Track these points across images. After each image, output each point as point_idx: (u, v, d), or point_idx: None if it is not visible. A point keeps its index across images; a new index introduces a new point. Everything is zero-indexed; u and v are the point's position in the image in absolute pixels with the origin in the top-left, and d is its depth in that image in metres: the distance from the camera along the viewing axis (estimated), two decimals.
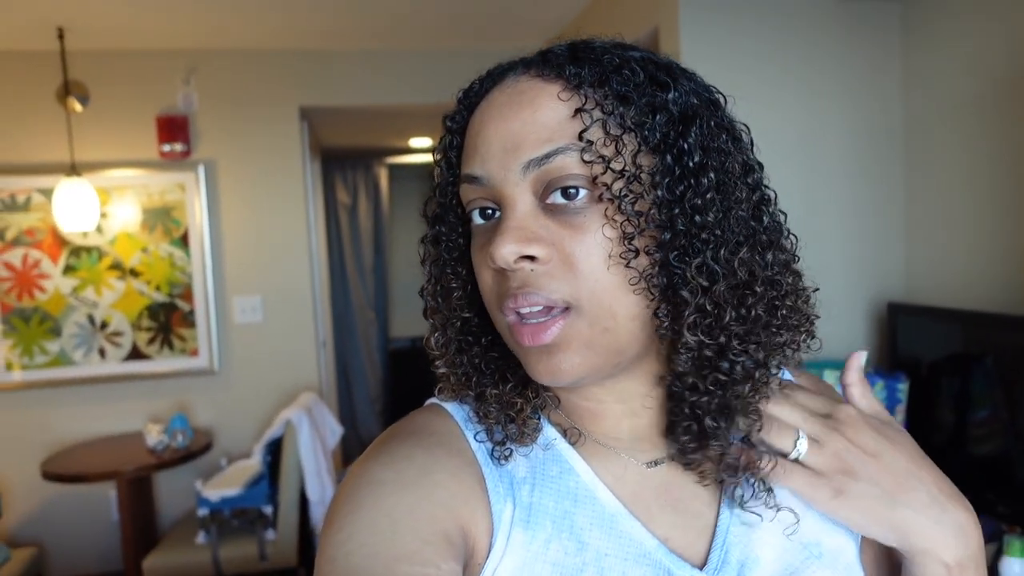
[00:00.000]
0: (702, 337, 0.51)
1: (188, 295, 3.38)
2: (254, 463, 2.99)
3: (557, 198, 0.51)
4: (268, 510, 2.86)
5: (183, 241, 3.36)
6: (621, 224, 0.50)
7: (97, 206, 3.12)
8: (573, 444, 0.59)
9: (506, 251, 0.50)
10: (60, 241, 3.24)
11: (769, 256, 0.55)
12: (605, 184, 0.50)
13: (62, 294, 3.26)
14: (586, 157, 0.50)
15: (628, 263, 0.50)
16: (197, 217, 3.35)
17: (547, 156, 0.50)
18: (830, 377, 2.21)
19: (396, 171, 5.62)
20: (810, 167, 2.41)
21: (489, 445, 0.57)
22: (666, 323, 0.52)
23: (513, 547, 0.53)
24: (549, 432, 0.59)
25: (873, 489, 0.53)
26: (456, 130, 0.58)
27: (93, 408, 3.32)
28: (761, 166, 0.59)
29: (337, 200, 5.22)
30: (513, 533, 0.53)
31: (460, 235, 0.59)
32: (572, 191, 0.51)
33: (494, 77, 0.56)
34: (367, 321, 5.29)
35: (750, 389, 0.54)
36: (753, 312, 0.52)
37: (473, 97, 0.57)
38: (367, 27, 3.17)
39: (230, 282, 3.43)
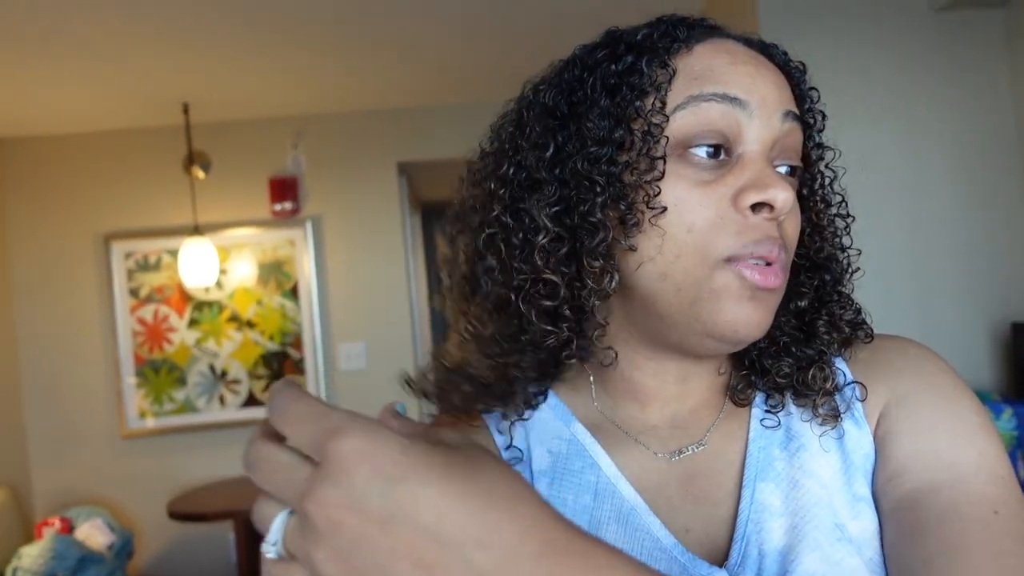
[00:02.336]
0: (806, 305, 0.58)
1: (298, 343, 3.57)
2: None
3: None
4: None
5: (293, 293, 3.57)
6: (813, 206, 0.58)
7: (217, 263, 3.38)
8: (599, 437, 0.59)
9: (788, 195, 0.50)
10: (185, 297, 3.53)
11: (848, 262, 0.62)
12: (814, 169, 0.58)
13: (187, 345, 3.53)
14: (815, 138, 0.58)
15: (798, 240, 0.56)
16: (306, 270, 3.56)
17: (797, 116, 0.55)
18: None
19: None
20: (914, 184, 2.29)
21: (508, 438, 0.59)
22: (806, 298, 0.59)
23: None
24: (576, 427, 0.60)
25: None
26: (672, 51, 0.53)
27: (215, 452, 3.53)
28: None
29: (437, 251, 5.39)
30: None
31: (661, 158, 0.51)
32: (782, 167, 0.54)
33: (706, 28, 0.55)
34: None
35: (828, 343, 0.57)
36: (844, 285, 0.59)
37: (688, 31, 0.54)
38: (458, 82, 3.34)
39: (336, 330, 3.60)
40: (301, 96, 3.36)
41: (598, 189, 0.51)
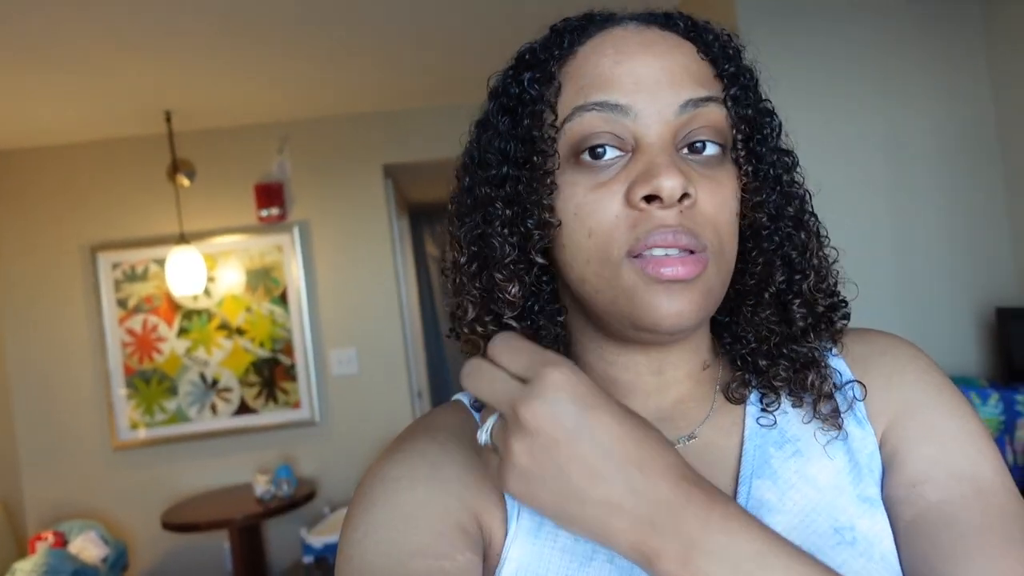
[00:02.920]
0: (778, 285, 0.57)
1: (289, 350, 3.56)
2: None
3: (685, 151, 0.53)
4: None
5: (282, 299, 3.56)
6: (749, 183, 0.55)
7: (204, 271, 3.36)
8: None
9: (675, 182, 0.48)
10: (174, 306, 3.51)
11: (822, 238, 0.60)
12: (739, 144, 0.54)
13: (177, 355, 3.51)
14: (736, 112, 0.54)
15: (743, 219, 0.55)
16: (294, 275, 3.55)
17: (705, 99, 0.52)
18: None
19: None
20: (897, 172, 2.31)
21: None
22: (753, 280, 0.58)
23: (522, 534, 0.53)
24: None
25: (560, 483, 0.40)
26: (559, 59, 0.54)
27: (207, 461, 3.52)
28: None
29: (426, 253, 5.40)
30: (522, 520, 0.53)
31: (551, 172, 0.53)
32: (700, 145, 0.53)
33: (597, 22, 0.55)
34: (460, 368, 5.37)
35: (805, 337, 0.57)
36: (817, 269, 0.58)
37: (572, 35, 0.55)
38: (442, 84, 3.34)
39: (327, 335, 3.59)
40: (284, 102, 3.35)
41: (498, 210, 0.54)
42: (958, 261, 2.32)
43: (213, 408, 3.53)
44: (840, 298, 0.58)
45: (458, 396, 0.64)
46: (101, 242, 3.49)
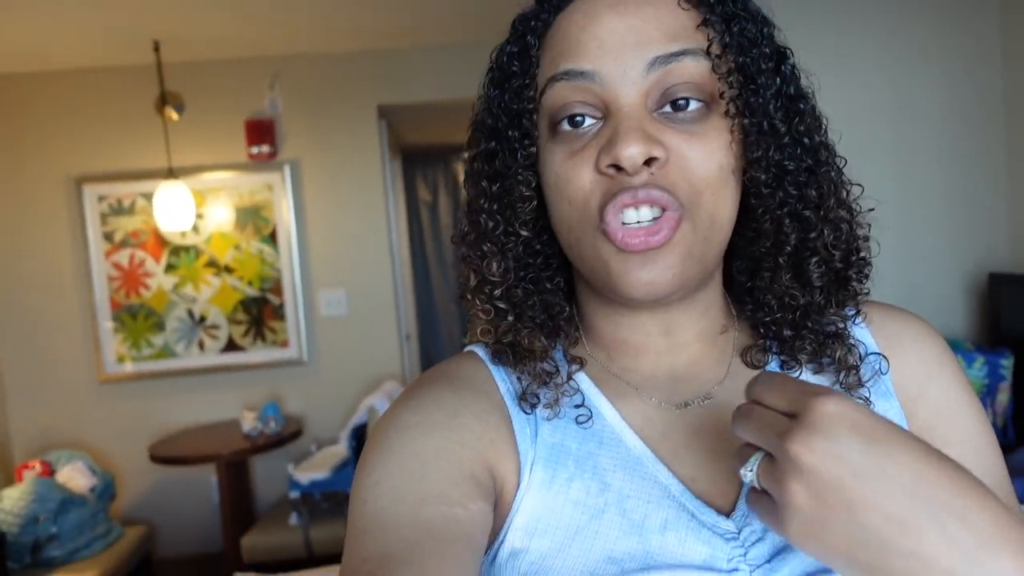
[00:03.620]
0: (792, 245, 0.54)
1: (278, 289, 3.54)
2: (341, 448, 3.10)
3: (667, 109, 0.51)
4: None
5: (272, 238, 3.52)
6: (739, 136, 0.52)
7: (193, 207, 3.31)
8: (602, 387, 0.58)
9: (634, 150, 0.47)
10: (161, 241, 3.47)
11: (843, 193, 0.56)
12: (727, 97, 0.51)
13: (164, 291, 3.49)
14: (717, 67, 0.50)
15: (734, 173, 0.52)
16: (284, 214, 3.51)
17: (677, 54, 0.50)
18: None
19: None
20: (903, 136, 2.28)
21: (517, 387, 0.57)
22: (768, 241, 0.55)
23: (534, 485, 0.53)
24: (581, 378, 0.59)
25: (853, 528, 0.35)
26: (536, 30, 0.54)
27: (194, 397, 3.53)
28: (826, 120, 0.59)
29: (418, 198, 5.34)
30: (535, 471, 0.54)
31: (532, 143, 0.54)
32: (682, 102, 0.51)
33: None
34: (450, 315, 5.39)
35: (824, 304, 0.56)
36: (835, 224, 0.55)
37: (551, 3, 0.54)
38: (440, 23, 3.24)
39: (316, 276, 3.57)
40: (277, 35, 3.25)
41: (484, 185, 0.56)
42: (955, 225, 2.32)
43: (200, 345, 3.52)
44: (859, 255, 0.57)
45: (471, 347, 0.63)
46: (86, 174, 3.42)
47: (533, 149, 0.54)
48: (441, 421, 0.52)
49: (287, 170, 3.50)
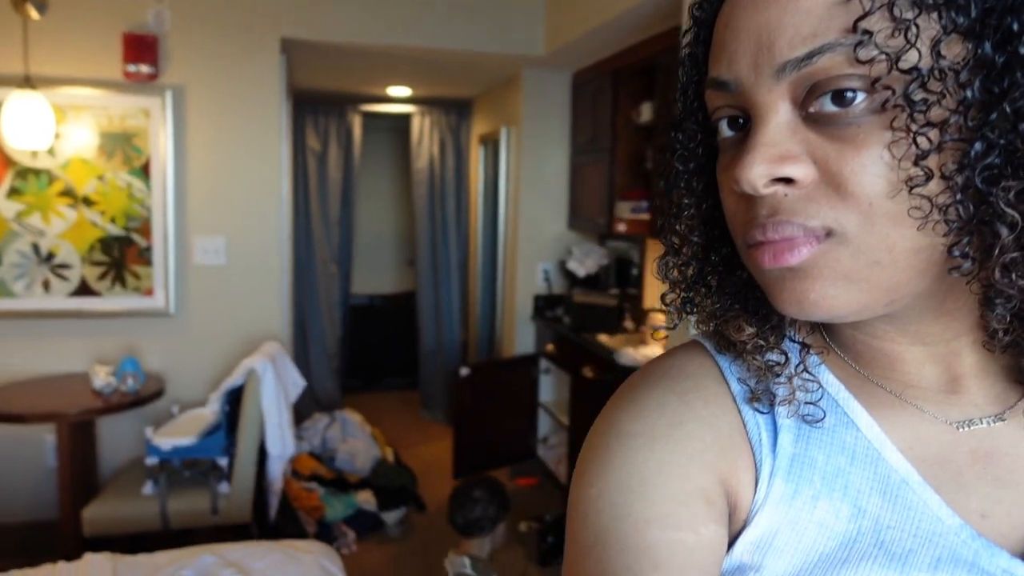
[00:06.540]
0: (1020, 281, 0.39)
1: (146, 230, 3.14)
2: (209, 412, 2.81)
3: (826, 105, 0.40)
4: (223, 462, 2.69)
5: (144, 171, 3.11)
6: (912, 137, 0.38)
7: (52, 124, 2.85)
8: (854, 392, 0.49)
9: (754, 173, 0.41)
10: (5, 159, 2.96)
11: None
12: (890, 87, 0.38)
13: (4, 218, 2.99)
14: (862, 54, 0.37)
15: (914, 188, 0.38)
16: (161, 147, 3.10)
17: (808, 56, 0.39)
18: None
19: (371, 120, 5.43)
20: None
21: (750, 382, 0.50)
22: (967, 263, 0.40)
23: (773, 499, 0.46)
24: (824, 376, 0.50)
25: None
26: (704, 21, 0.48)
27: (33, 344, 3.07)
28: None
29: (307, 146, 4.97)
30: (774, 484, 0.47)
31: (699, 144, 0.51)
32: (849, 94, 0.39)
33: None
34: (328, 275, 5.09)
35: None
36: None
37: None
38: None
39: (193, 220, 3.20)
40: None
41: (679, 168, 0.52)
42: None
43: (46, 284, 3.06)
44: None
45: (696, 336, 0.56)
46: None
47: (699, 150, 0.51)
48: (664, 431, 0.48)
49: (169, 96, 3.09)
